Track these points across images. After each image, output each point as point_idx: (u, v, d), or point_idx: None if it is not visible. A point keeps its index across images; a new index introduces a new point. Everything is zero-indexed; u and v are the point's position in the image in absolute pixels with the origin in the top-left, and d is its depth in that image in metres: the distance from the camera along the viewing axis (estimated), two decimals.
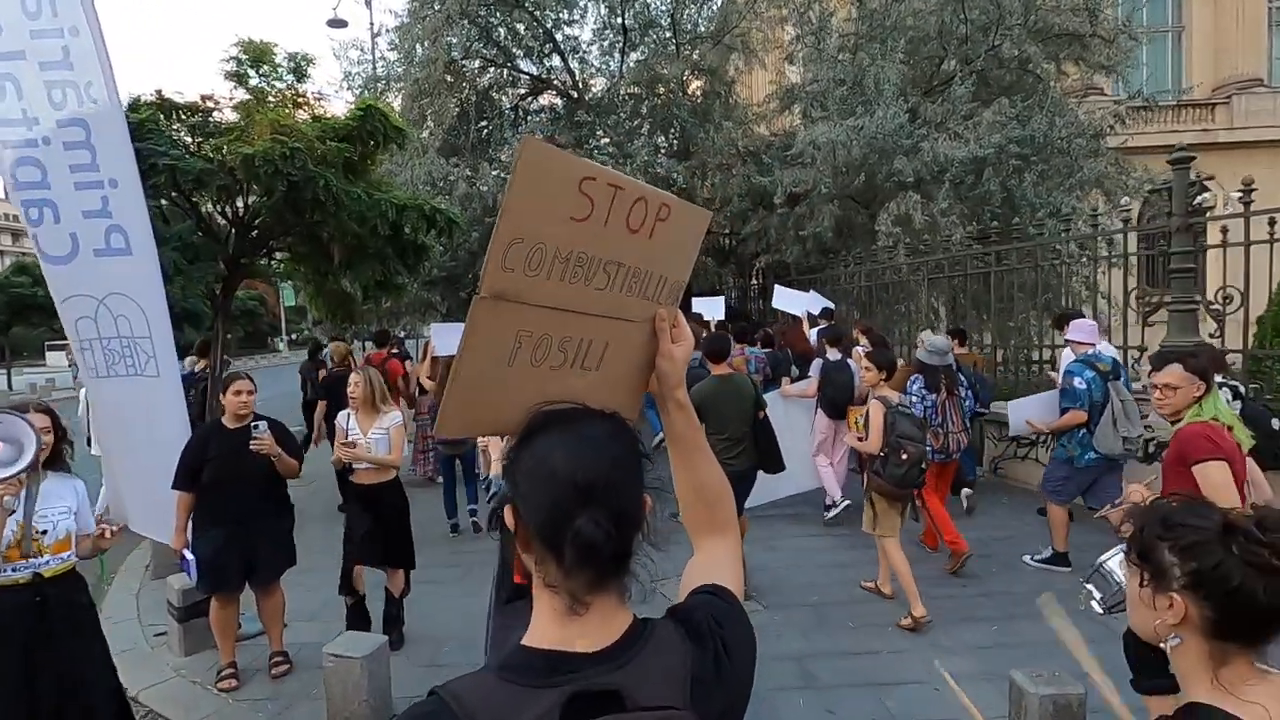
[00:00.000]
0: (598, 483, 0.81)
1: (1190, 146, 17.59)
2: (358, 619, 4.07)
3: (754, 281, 14.94)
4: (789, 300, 8.06)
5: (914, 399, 4.87)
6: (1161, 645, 1.10)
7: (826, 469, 6.14)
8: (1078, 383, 4.72)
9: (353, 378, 4.16)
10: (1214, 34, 18.72)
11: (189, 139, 6.44)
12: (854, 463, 6.11)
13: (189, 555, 3.64)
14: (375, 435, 3.99)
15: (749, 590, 4.75)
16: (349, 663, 3.16)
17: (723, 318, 8.05)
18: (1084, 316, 5.32)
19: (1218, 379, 3.64)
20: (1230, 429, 2.78)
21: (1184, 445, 2.72)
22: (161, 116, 6.13)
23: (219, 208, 6.70)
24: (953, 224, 9.27)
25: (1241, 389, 4.15)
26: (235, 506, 3.58)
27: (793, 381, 7.07)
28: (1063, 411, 4.75)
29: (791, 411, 6.03)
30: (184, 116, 6.41)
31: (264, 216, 6.51)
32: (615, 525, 0.80)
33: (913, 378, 5.14)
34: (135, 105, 6.12)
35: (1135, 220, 8.01)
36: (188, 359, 7.89)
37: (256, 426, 3.53)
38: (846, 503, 5.98)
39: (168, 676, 3.85)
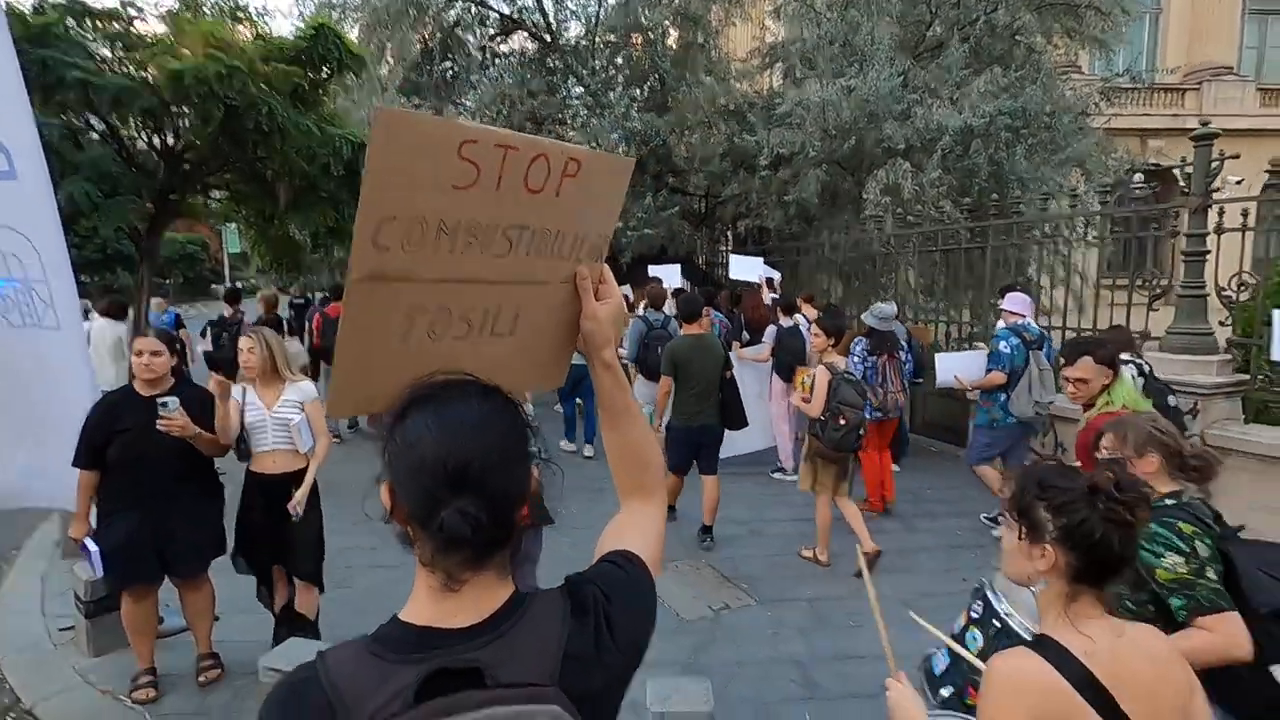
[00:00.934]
0: (470, 468, 0.80)
1: (1160, 131, 17.75)
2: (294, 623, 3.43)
3: (724, 248, 14.49)
4: (745, 268, 8.13)
5: (856, 360, 5.32)
6: (1031, 589, 1.35)
7: (784, 435, 6.51)
8: (1003, 347, 5.08)
9: (243, 342, 3.27)
10: (1190, 18, 18.72)
11: (107, 52, 5.55)
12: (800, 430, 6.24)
13: (91, 546, 3.05)
14: (285, 412, 3.23)
15: (739, 583, 4.43)
16: None
17: (679, 284, 7.97)
18: (1024, 292, 5.63)
19: (1124, 356, 4.01)
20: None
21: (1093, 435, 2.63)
22: (72, 22, 5.24)
23: (144, 134, 5.85)
24: (941, 195, 8.96)
25: (1145, 367, 4.39)
26: (149, 488, 3.01)
27: (743, 346, 7.21)
28: (987, 372, 5.13)
29: (745, 374, 6.23)
30: (100, 25, 5.51)
31: (198, 147, 5.71)
32: (489, 510, 0.80)
33: (857, 339, 5.55)
34: (40, 7, 5.21)
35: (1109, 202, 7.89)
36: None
37: (164, 404, 2.89)
38: (794, 478, 6.04)
39: (71, 684, 3.26)
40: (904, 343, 5.79)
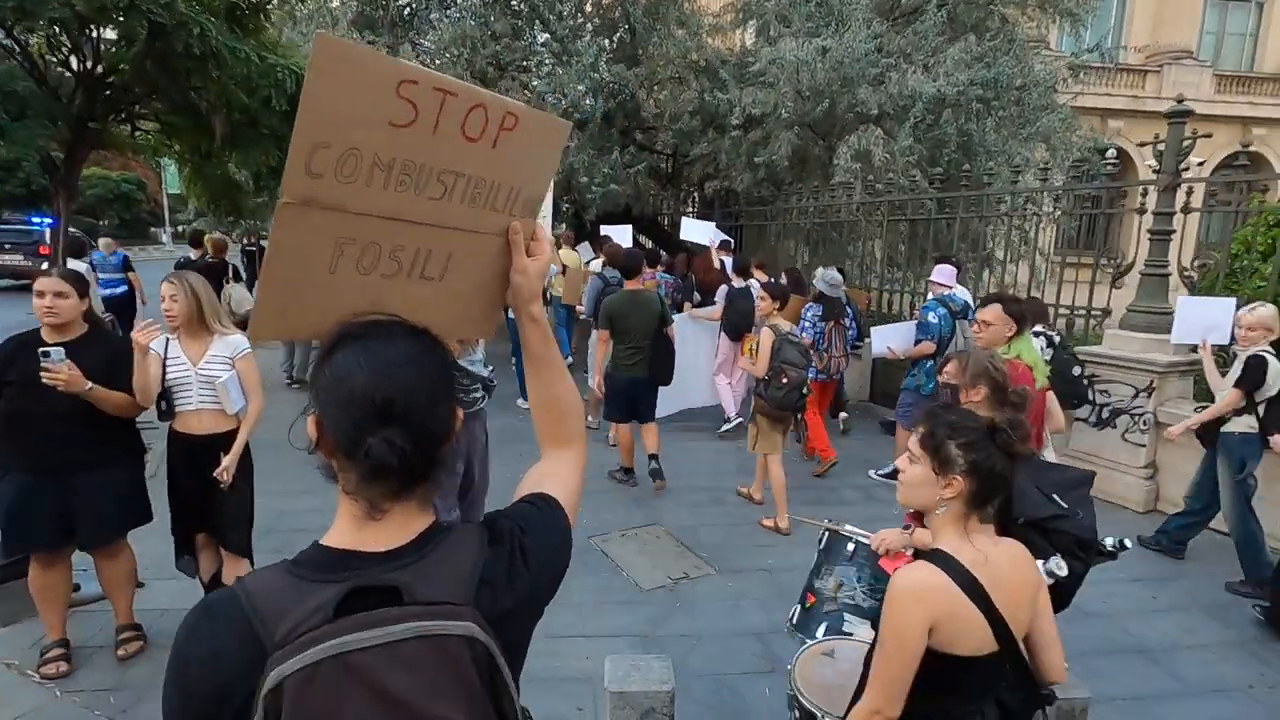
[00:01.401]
0: (396, 402, 0.83)
1: (1120, 112, 18.04)
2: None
3: (691, 209, 14.23)
4: (697, 231, 8.19)
5: (808, 324, 5.64)
6: (933, 512, 1.55)
7: (725, 388, 6.73)
8: (931, 318, 5.27)
9: (165, 288, 2.91)
10: (1155, 0, 18.89)
11: None
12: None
13: None
14: (212, 369, 2.91)
15: (698, 551, 4.34)
16: None
17: (629, 243, 8.09)
18: (952, 263, 5.77)
19: (1038, 328, 4.69)
20: (1031, 368, 3.20)
21: None
22: None
23: (58, 53, 5.26)
24: (911, 164, 8.88)
25: (1056, 338, 4.92)
26: (40, 448, 2.71)
27: (695, 307, 7.42)
28: (916, 342, 5.30)
29: (697, 333, 6.65)
30: None
31: (121, 71, 5.16)
32: (413, 443, 0.83)
33: (808, 305, 5.84)
34: None
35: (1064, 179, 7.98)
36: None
37: (45, 354, 2.57)
38: (739, 420, 6.49)
39: None
40: (849, 309, 6.18)
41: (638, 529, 4.63)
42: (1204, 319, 4.53)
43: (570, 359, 9.30)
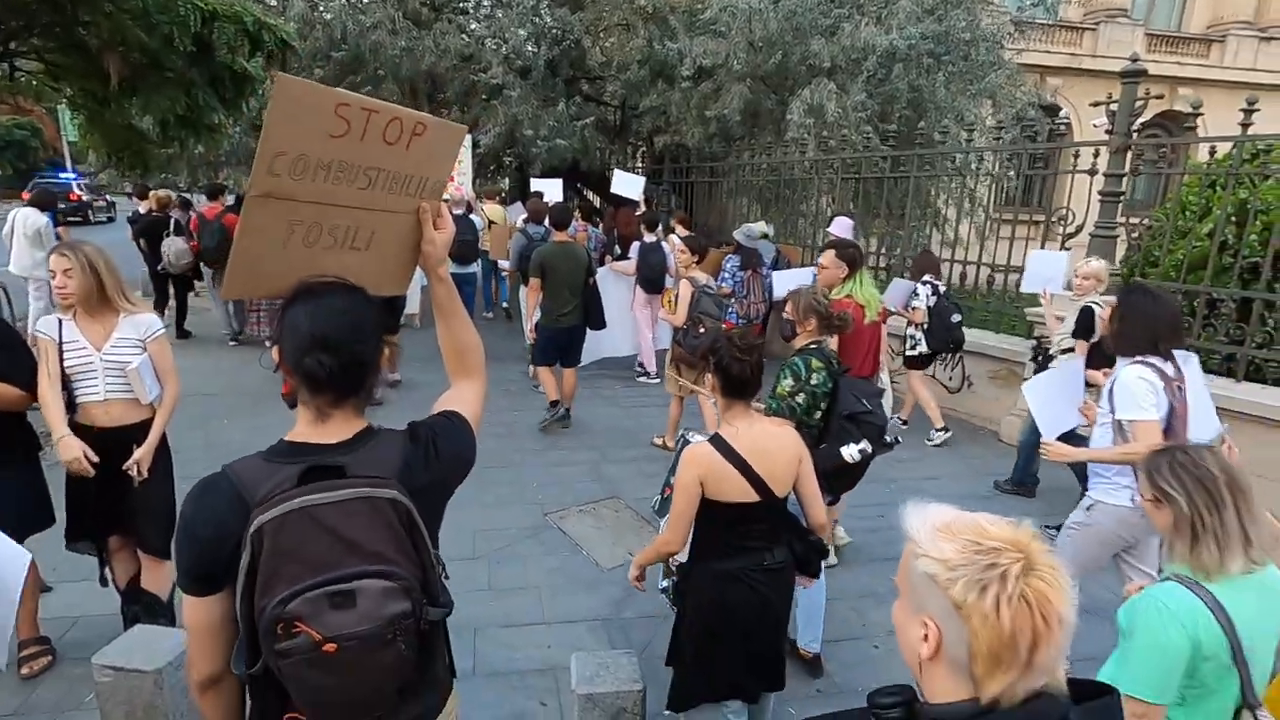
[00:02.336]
0: (329, 336, 1.18)
1: (1059, 69, 18.24)
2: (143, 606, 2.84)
3: (640, 165, 13.84)
4: (627, 185, 8.26)
5: (728, 274, 5.92)
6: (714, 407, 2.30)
7: (648, 339, 7.10)
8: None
9: (54, 261, 2.53)
10: None
11: None
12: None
13: None
14: (120, 353, 2.56)
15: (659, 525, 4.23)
16: (136, 679, 2.19)
17: (560, 198, 8.22)
18: (850, 217, 6.10)
19: (927, 278, 5.42)
20: (863, 306, 3.74)
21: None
22: None
23: None
24: (864, 120, 8.75)
25: (941, 287, 5.46)
26: None
27: (615, 260, 7.73)
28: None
29: (616, 285, 6.93)
30: None
31: None
32: (340, 365, 1.18)
33: (728, 256, 6.14)
34: None
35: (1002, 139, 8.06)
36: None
37: None
38: (658, 379, 6.85)
39: None
40: (770, 260, 6.51)
41: (595, 503, 4.48)
42: (1045, 271, 4.96)
43: (506, 306, 9.65)
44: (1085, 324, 4.17)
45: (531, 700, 2.78)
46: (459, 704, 1.45)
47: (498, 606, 3.37)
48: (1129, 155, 5.19)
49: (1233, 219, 5.22)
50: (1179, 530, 1.53)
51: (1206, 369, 5.15)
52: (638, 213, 8.16)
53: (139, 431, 2.65)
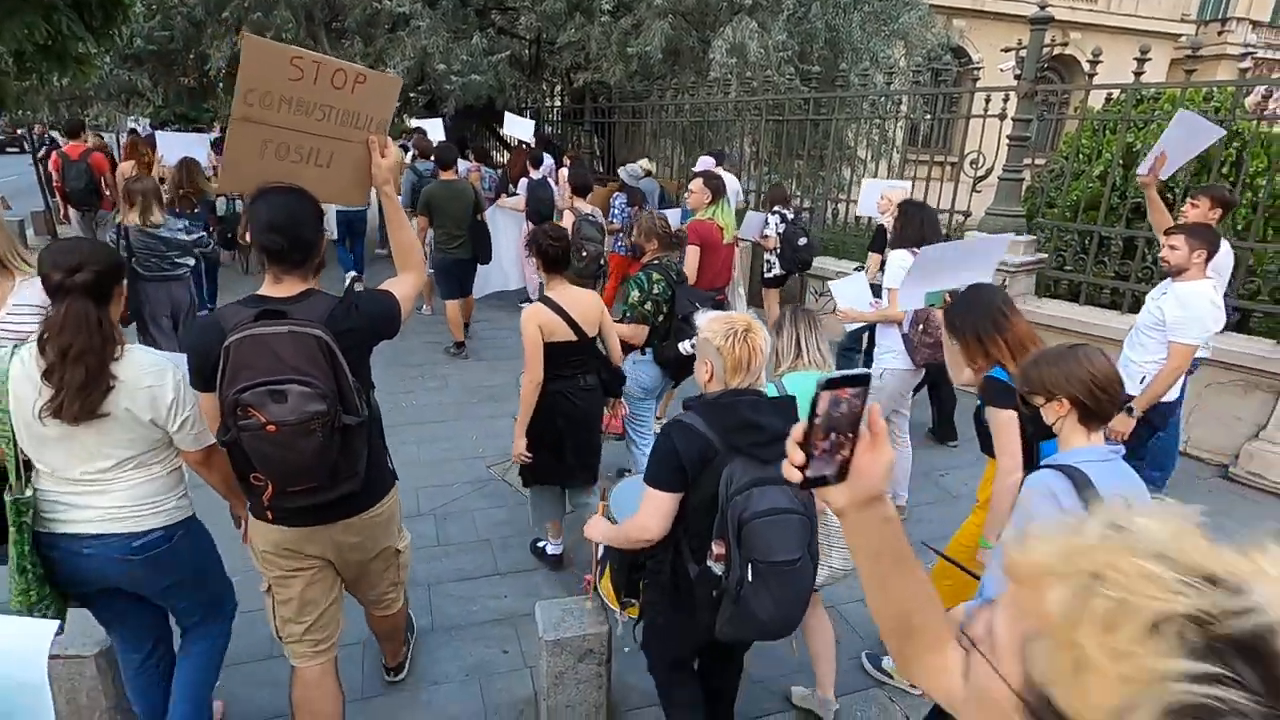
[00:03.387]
0: (276, 220, 1.77)
1: (964, 11, 18.58)
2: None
3: (557, 103, 13.36)
4: (519, 127, 8.54)
5: (617, 210, 6.67)
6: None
7: (532, 270, 7.27)
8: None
9: None
10: None
11: None
12: None
13: None
14: (19, 322, 2.29)
15: (605, 473, 4.30)
16: (75, 665, 2.09)
17: (443, 137, 8.45)
18: (724, 155, 6.91)
19: (776, 208, 6.23)
20: (722, 229, 4.70)
21: (688, 229, 4.59)
22: None
23: None
24: (785, 60, 8.75)
25: (789, 215, 6.21)
26: None
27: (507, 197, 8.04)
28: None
29: (506, 222, 7.34)
30: None
31: None
32: (288, 241, 1.78)
33: (616, 195, 6.86)
34: None
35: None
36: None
37: None
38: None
39: None
40: (654, 196, 7.16)
41: None
42: (871, 197, 5.65)
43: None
44: (880, 239, 5.14)
45: (493, 649, 2.84)
46: (398, 501, 2.18)
47: (449, 562, 3.38)
48: (1036, 100, 5.45)
49: (1120, 162, 5.63)
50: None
51: (1097, 303, 5.66)
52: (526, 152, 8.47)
53: None
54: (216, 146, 7.97)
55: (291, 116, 1.82)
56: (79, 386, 1.71)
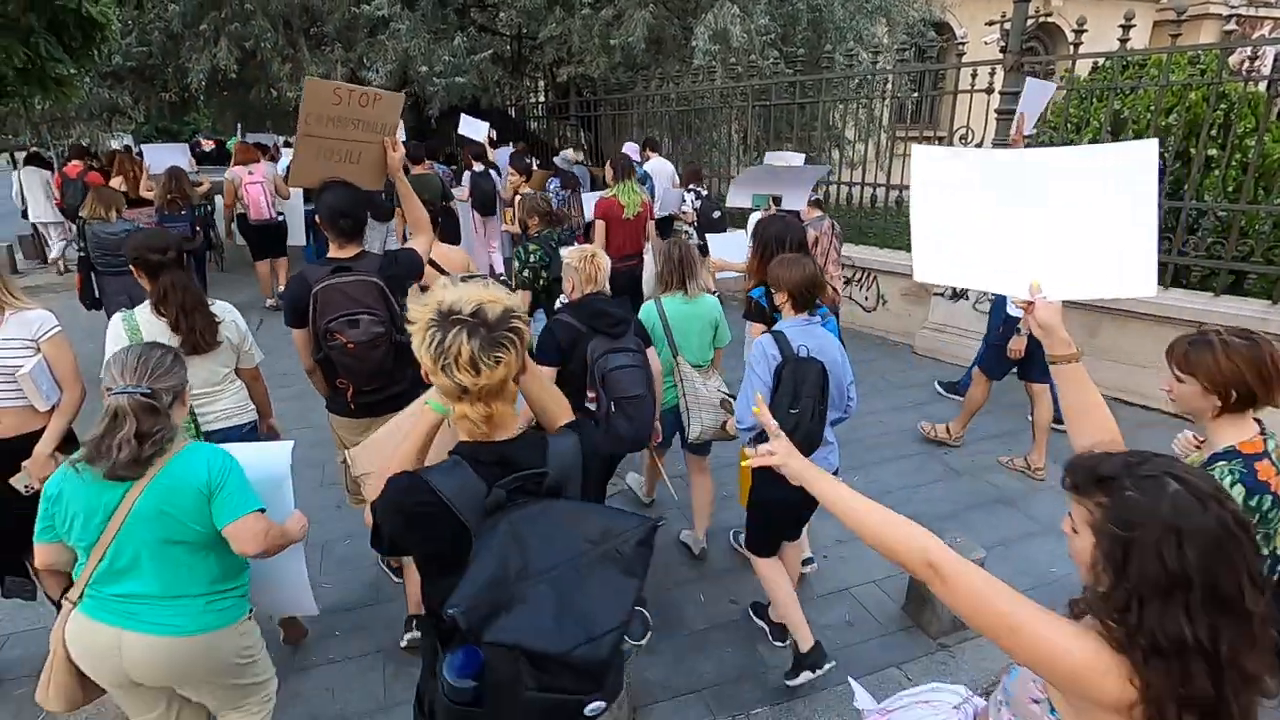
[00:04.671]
0: (342, 207, 2.60)
1: None
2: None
3: (542, 98, 13.29)
4: (472, 128, 8.75)
5: (553, 193, 6.99)
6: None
7: (482, 252, 8.09)
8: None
9: None
10: None
11: None
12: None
13: None
14: (9, 357, 2.30)
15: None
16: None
17: (404, 138, 8.64)
18: (657, 144, 7.59)
19: (692, 185, 7.11)
20: (624, 205, 5.20)
21: (595, 206, 5.37)
22: None
23: None
24: (769, 44, 8.71)
25: (703, 192, 7.05)
26: None
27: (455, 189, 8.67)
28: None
29: (459, 212, 7.86)
30: None
31: None
32: (351, 221, 2.65)
33: (550, 179, 7.33)
34: None
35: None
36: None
37: None
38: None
39: None
40: (585, 181, 7.91)
41: None
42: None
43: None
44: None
45: None
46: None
47: None
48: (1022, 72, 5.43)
49: (1109, 130, 5.62)
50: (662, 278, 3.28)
51: None
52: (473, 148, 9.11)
53: (26, 445, 2.40)
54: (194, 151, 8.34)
55: (335, 129, 2.59)
56: (204, 328, 2.54)
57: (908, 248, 6.87)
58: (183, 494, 1.67)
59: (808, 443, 2.32)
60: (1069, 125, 6.24)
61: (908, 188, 6.61)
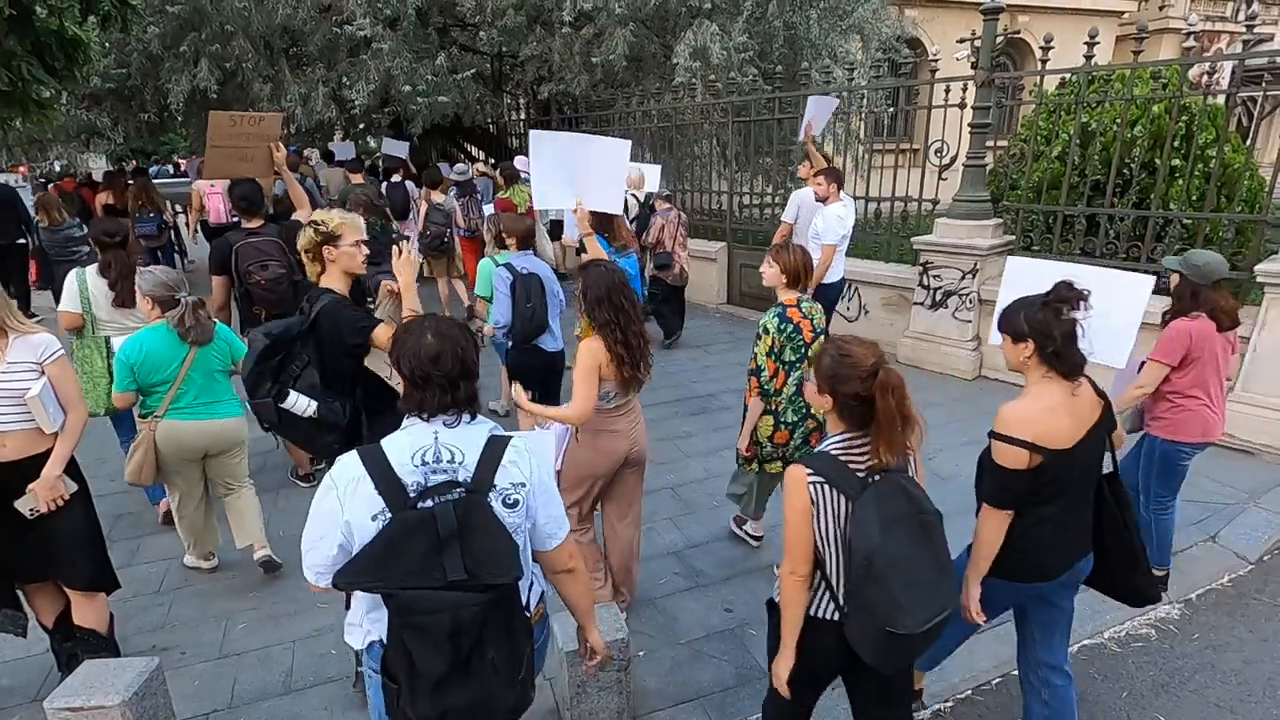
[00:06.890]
0: (247, 194, 4.07)
1: (914, 1, 18.74)
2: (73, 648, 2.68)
3: (522, 116, 13.38)
4: (395, 148, 9.57)
5: (453, 200, 7.81)
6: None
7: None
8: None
9: None
10: None
11: None
12: None
13: None
14: (14, 380, 2.30)
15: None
16: (99, 716, 2.09)
17: (352, 157, 9.58)
18: (525, 156, 7.62)
19: (633, 191, 6.96)
20: (516, 205, 6.37)
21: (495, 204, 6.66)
22: None
23: None
24: (747, 61, 8.88)
25: (641, 197, 7.21)
26: None
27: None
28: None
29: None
30: None
31: None
32: (254, 201, 4.08)
33: (450, 187, 7.99)
34: None
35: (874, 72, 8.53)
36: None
37: None
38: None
39: None
40: (488, 190, 8.54)
41: None
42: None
43: None
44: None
45: None
46: None
47: None
48: (994, 87, 5.61)
49: (1078, 142, 5.82)
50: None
51: None
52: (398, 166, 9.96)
53: (31, 469, 2.38)
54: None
55: (235, 142, 4.09)
56: (130, 291, 3.47)
57: (887, 259, 7.04)
58: (219, 348, 3.17)
59: (539, 328, 3.95)
60: (1039, 138, 6.45)
61: (885, 199, 6.78)
